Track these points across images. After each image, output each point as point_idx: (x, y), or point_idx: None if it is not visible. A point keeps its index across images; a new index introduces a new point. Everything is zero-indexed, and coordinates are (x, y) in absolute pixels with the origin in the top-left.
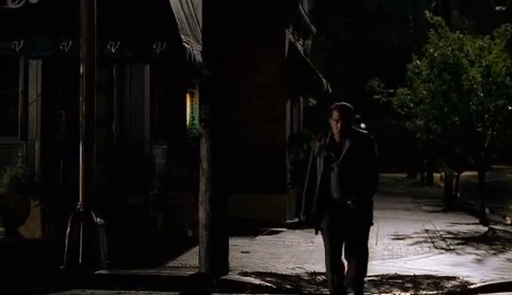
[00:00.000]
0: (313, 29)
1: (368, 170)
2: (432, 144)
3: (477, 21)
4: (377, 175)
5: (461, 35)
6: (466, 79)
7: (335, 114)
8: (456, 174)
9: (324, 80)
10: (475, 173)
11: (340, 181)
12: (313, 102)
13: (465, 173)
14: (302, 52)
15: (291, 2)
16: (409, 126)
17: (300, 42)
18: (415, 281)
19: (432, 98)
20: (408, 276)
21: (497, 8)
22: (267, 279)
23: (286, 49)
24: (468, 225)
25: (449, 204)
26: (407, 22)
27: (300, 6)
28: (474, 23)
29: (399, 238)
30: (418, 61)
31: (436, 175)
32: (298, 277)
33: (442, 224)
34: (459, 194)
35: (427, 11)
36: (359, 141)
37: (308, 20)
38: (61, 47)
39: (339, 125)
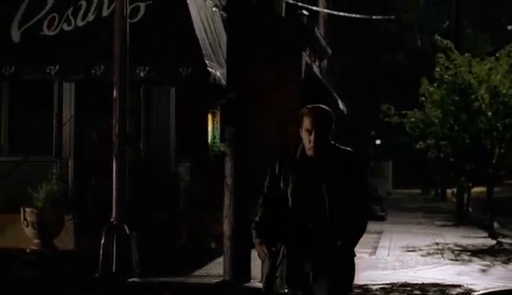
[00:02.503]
0: (329, 50)
1: (354, 203)
2: (443, 161)
3: (491, 38)
4: (366, 210)
5: (469, 57)
6: (475, 100)
7: (307, 121)
8: (471, 184)
9: (339, 100)
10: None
11: (314, 218)
12: None
13: (477, 189)
14: (318, 73)
15: (308, 28)
16: (421, 146)
17: (316, 63)
18: (423, 289)
19: (443, 118)
20: (416, 284)
21: (509, 28)
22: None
23: (303, 71)
24: (476, 239)
25: (460, 218)
26: (417, 43)
27: (316, 29)
28: (489, 39)
29: (410, 250)
30: (429, 88)
31: (449, 191)
32: None
33: (452, 237)
34: (470, 209)
35: (436, 35)
36: (341, 161)
37: (323, 42)
38: (94, 71)
39: (312, 138)
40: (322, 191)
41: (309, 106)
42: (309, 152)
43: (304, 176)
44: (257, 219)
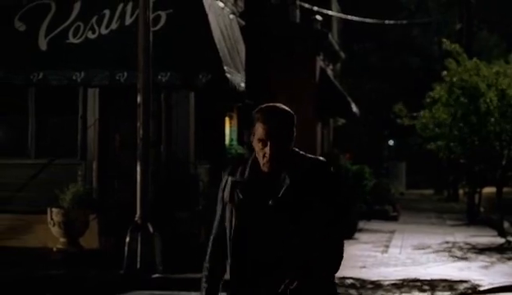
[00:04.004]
0: (342, 54)
1: (327, 228)
2: (454, 162)
3: (504, 39)
4: (342, 239)
5: (477, 60)
6: (483, 102)
7: (259, 129)
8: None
9: (352, 102)
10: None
11: (272, 250)
12: (342, 120)
13: (489, 189)
14: (332, 76)
15: (321, 33)
16: (431, 146)
17: (330, 67)
18: (432, 284)
19: (453, 121)
20: (426, 280)
21: None
22: None
23: (317, 74)
24: (486, 237)
25: (471, 218)
26: (431, 46)
27: (330, 34)
28: (502, 41)
29: (421, 248)
30: (440, 92)
31: (461, 192)
32: None
33: (462, 236)
34: (482, 209)
35: (444, 40)
36: (308, 177)
37: (337, 47)
38: (118, 78)
39: (268, 150)
40: (281, 220)
41: (263, 106)
42: (264, 168)
43: (255, 200)
44: (206, 264)
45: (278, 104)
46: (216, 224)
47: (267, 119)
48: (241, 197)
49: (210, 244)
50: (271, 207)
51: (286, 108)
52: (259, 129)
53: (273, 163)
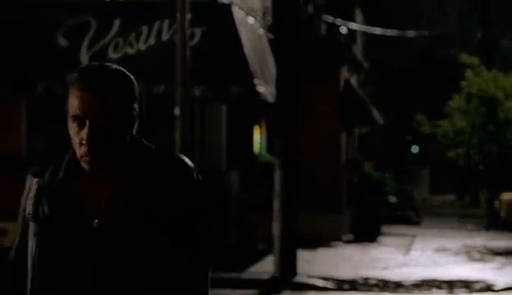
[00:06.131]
0: (365, 64)
1: (183, 264)
2: (473, 169)
3: None
4: (206, 279)
5: (495, 72)
6: (502, 111)
7: (74, 100)
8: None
9: (375, 111)
10: None
11: None
12: (365, 128)
13: (509, 195)
14: (356, 85)
15: (346, 46)
16: (452, 154)
17: (354, 77)
18: (450, 283)
19: (472, 129)
20: (444, 280)
21: None
22: (329, 281)
23: (341, 85)
24: (504, 241)
25: (491, 223)
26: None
27: (354, 46)
28: None
29: (441, 251)
30: (460, 102)
31: (482, 197)
32: (353, 280)
33: (481, 240)
34: (503, 214)
35: (463, 54)
36: (156, 179)
37: (360, 57)
38: (155, 91)
39: (84, 135)
40: (111, 249)
41: (82, 65)
42: (84, 165)
43: (71, 216)
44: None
45: (109, 64)
46: (14, 251)
47: (87, 83)
48: (47, 211)
49: (12, 275)
50: (95, 229)
51: (122, 69)
52: (73, 100)
53: (96, 156)
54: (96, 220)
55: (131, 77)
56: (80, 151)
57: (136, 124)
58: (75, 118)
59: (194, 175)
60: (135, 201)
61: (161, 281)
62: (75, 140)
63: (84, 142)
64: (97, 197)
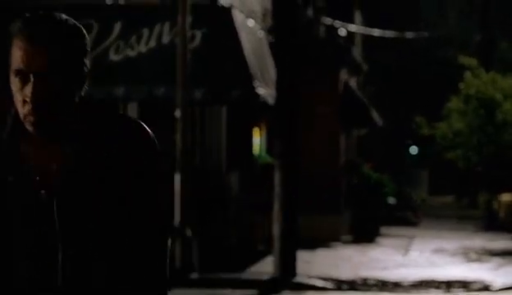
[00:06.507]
0: (364, 66)
1: (139, 242)
2: (472, 170)
3: None
4: (164, 265)
5: (493, 74)
6: (500, 113)
7: (17, 51)
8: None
9: (374, 113)
10: None
11: (46, 276)
12: (365, 130)
13: (507, 196)
14: (355, 87)
15: (345, 48)
16: (451, 155)
17: (353, 78)
18: (448, 284)
19: (470, 131)
20: (442, 280)
21: None
22: (328, 281)
23: (341, 87)
24: (502, 242)
25: (490, 224)
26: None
27: (353, 48)
28: None
29: (439, 252)
30: (458, 104)
31: (481, 198)
32: (352, 281)
33: (479, 241)
34: (501, 215)
35: (462, 56)
36: (111, 144)
37: (359, 59)
38: (155, 92)
39: (28, 92)
40: (61, 223)
41: (26, 15)
42: (28, 126)
43: (14, 185)
44: None
45: (58, 13)
46: None
47: (31, 32)
48: None
49: None
50: (43, 199)
51: (72, 20)
52: (16, 52)
53: (41, 116)
54: (43, 191)
55: (81, 28)
56: (24, 110)
57: (87, 83)
58: (18, 72)
59: (150, 135)
60: (88, 166)
61: (115, 256)
62: (18, 97)
63: (27, 99)
64: (46, 162)
